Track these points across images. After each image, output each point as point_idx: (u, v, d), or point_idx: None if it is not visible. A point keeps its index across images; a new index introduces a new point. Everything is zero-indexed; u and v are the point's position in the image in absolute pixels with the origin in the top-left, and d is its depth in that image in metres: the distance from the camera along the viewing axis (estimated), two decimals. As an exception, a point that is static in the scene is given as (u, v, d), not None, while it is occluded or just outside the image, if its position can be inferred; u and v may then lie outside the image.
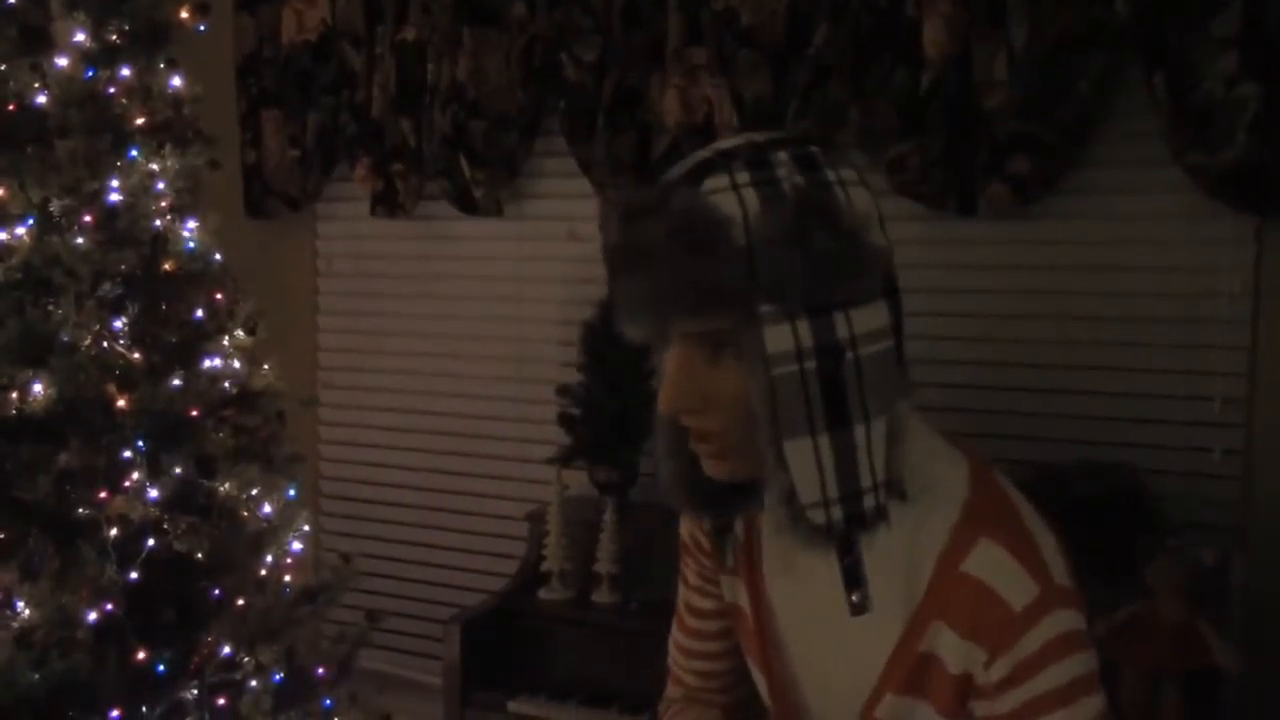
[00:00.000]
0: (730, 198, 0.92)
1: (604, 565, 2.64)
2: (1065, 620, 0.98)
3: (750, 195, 0.92)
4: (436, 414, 3.25)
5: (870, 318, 0.95)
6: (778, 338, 0.92)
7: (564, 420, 2.74)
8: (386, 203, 3.11)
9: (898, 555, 1.01)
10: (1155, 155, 2.31)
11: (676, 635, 1.33)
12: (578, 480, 2.76)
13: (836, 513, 0.96)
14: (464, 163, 2.95)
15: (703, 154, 0.97)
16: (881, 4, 2.45)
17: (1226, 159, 2.19)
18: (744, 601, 1.18)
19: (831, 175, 0.95)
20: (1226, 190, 2.22)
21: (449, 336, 3.22)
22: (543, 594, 2.71)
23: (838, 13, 2.48)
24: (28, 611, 1.94)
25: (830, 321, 0.92)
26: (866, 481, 0.96)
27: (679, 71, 2.67)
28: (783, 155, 0.95)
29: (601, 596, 2.64)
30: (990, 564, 0.98)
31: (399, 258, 3.28)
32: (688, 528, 1.26)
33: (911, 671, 1.02)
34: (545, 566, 2.71)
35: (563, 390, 2.74)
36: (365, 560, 2.48)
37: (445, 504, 3.25)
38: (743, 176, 0.93)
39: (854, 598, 0.99)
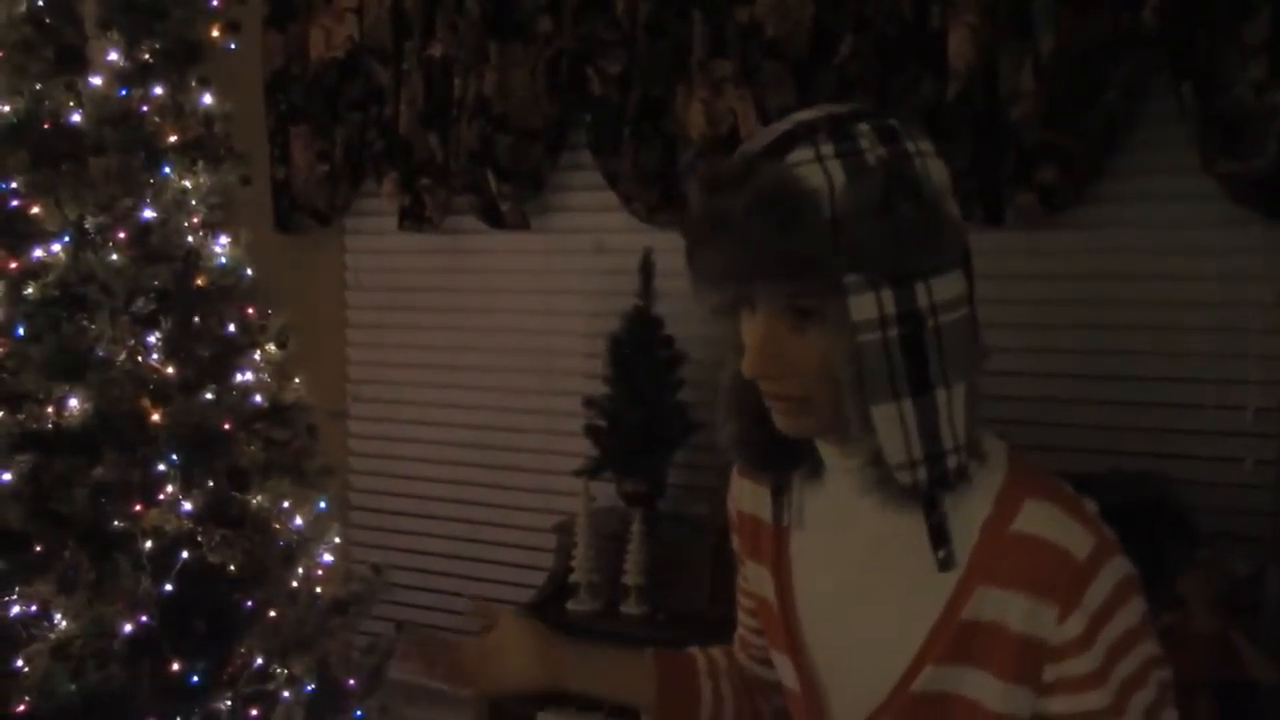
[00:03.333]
0: (816, 170, 0.95)
1: (632, 577, 2.64)
2: (1123, 565, 0.99)
3: (835, 167, 0.94)
4: (464, 426, 3.26)
5: (949, 286, 0.97)
6: (863, 306, 0.95)
7: (591, 432, 2.75)
8: (414, 217, 3.13)
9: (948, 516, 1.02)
10: (1184, 163, 2.29)
11: (739, 611, 1.36)
12: (605, 492, 2.77)
13: (922, 473, 0.98)
14: (490, 177, 2.97)
15: (785, 126, 0.99)
16: (906, 15, 2.45)
17: (1257, 166, 2.18)
18: (769, 591, 1.19)
19: (911, 146, 0.98)
20: (1257, 198, 2.21)
21: (476, 349, 3.24)
22: (571, 605, 2.71)
23: (862, 24, 2.48)
24: (65, 623, 1.96)
25: (912, 290, 0.95)
26: (949, 443, 0.98)
27: (704, 83, 2.67)
28: (864, 127, 0.97)
29: (629, 608, 2.64)
30: (1043, 519, 1.00)
31: (426, 271, 3.30)
32: (731, 502, 1.28)
33: (955, 641, 1.02)
34: (573, 578, 2.71)
35: (590, 402, 2.75)
36: (395, 572, 2.49)
37: (474, 515, 3.26)
38: (827, 149, 0.95)
39: (940, 554, 1.01)
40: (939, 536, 1.01)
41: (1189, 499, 2.24)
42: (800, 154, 0.96)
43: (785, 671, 1.19)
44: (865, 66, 2.48)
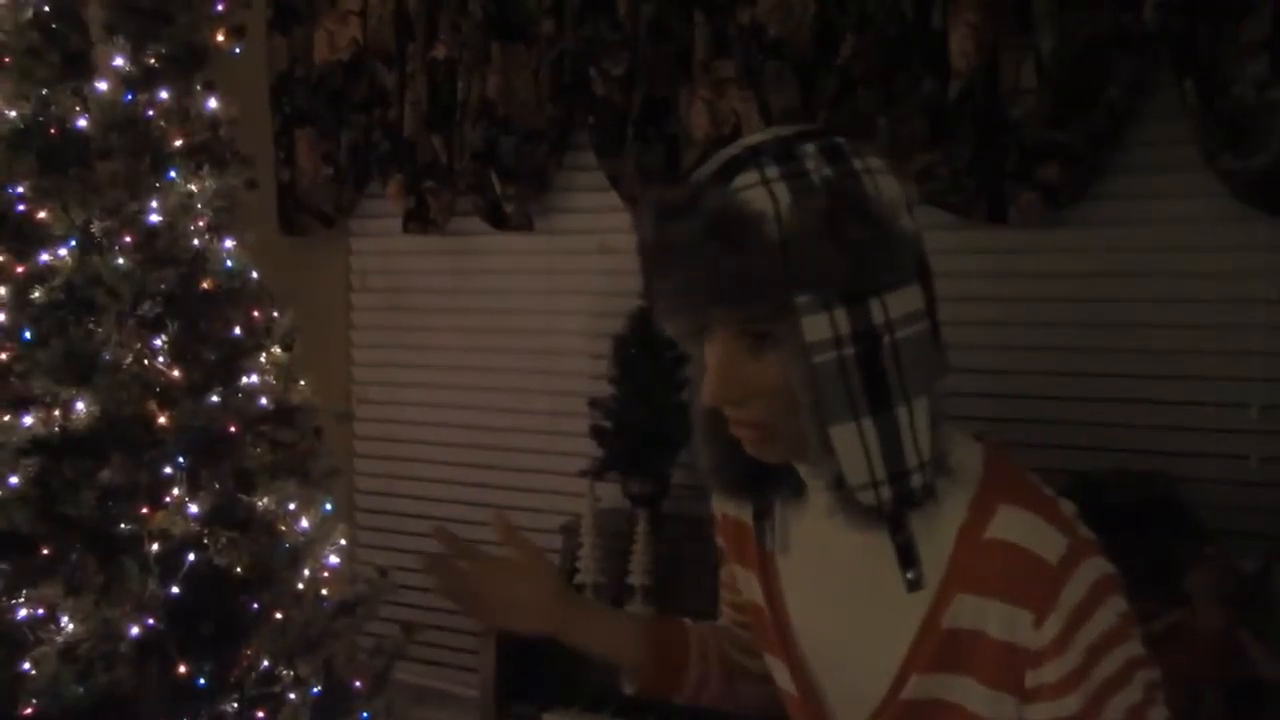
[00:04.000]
0: (761, 193, 0.94)
1: (637, 577, 2.64)
2: (1099, 566, 0.99)
3: (781, 189, 0.94)
4: (469, 427, 3.27)
5: (905, 301, 0.97)
6: (815, 327, 0.95)
7: (596, 433, 2.75)
8: (418, 219, 3.14)
9: (918, 536, 1.02)
10: (1187, 160, 2.29)
11: (722, 600, 1.37)
12: (610, 493, 2.77)
13: (886, 493, 0.98)
14: (494, 178, 2.97)
15: (731, 151, 0.99)
16: (908, 14, 2.46)
17: (1259, 163, 2.17)
18: (758, 596, 1.19)
19: (859, 164, 0.97)
20: (1260, 195, 2.21)
21: (481, 350, 3.24)
22: (577, 606, 2.71)
23: (864, 23, 2.49)
24: (72, 625, 1.97)
25: (866, 308, 0.95)
26: (913, 461, 0.98)
27: (707, 84, 2.68)
28: (810, 148, 0.97)
29: (635, 608, 2.64)
30: (1015, 525, 1.00)
31: (431, 273, 3.30)
32: (716, 505, 1.28)
33: (939, 649, 1.02)
34: (579, 579, 2.71)
35: (594, 403, 2.75)
36: (401, 573, 2.50)
37: (479, 517, 3.25)
38: (772, 171, 0.95)
39: (909, 575, 1.01)
40: (906, 557, 1.01)
41: (1194, 497, 2.24)
42: (745, 178, 0.96)
43: (780, 675, 1.19)
44: (867, 66, 2.49)
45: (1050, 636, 0.97)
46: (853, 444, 0.96)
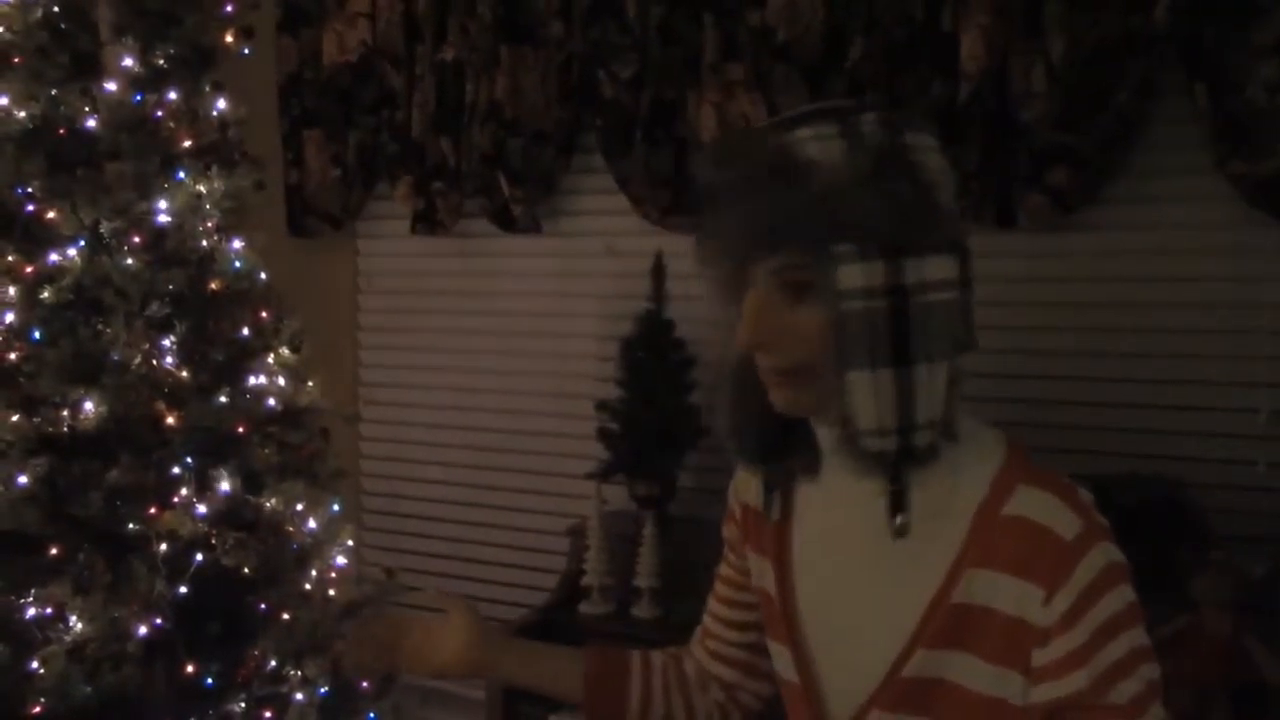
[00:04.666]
0: (816, 145, 0.99)
1: (644, 579, 2.64)
2: (1111, 551, 1.01)
3: (836, 144, 0.99)
4: (476, 429, 3.27)
5: (940, 268, 1.00)
6: (850, 275, 0.98)
7: (603, 435, 2.75)
8: (426, 221, 3.14)
9: (933, 511, 1.04)
10: (1196, 164, 2.29)
11: (710, 601, 1.40)
12: (617, 495, 2.77)
13: (890, 443, 1.00)
14: (502, 180, 2.98)
15: (799, 110, 1.04)
16: (917, 16, 2.45)
17: (1270, 167, 2.17)
18: (770, 583, 1.21)
19: (912, 138, 1.01)
20: (1270, 199, 2.20)
21: (488, 353, 3.24)
22: (583, 608, 2.71)
23: (873, 26, 2.48)
24: (80, 625, 1.98)
25: (901, 265, 0.98)
26: (922, 418, 1.00)
27: (715, 87, 2.68)
28: (870, 116, 1.01)
29: (642, 611, 2.65)
30: (1034, 502, 1.02)
31: (439, 275, 3.31)
32: (733, 493, 1.30)
33: (947, 624, 1.04)
34: (585, 581, 2.71)
35: (602, 405, 2.75)
36: (407, 574, 2.50)
37: (485, 518, 3.27)
38: (829, 129, 1.00)
39: (897, 520, 1.02)
40: (896, 503, 1.02)
41: (1201, 501, 2.23)
42: (803, 131, 1.00)
43: (783, 662, 1.20)
44: (876, 69, 2.49)
45: (1059, 612, 0.99)
46: (867, 390, 0.99)
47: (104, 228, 2.09)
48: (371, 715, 2.33)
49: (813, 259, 0.99)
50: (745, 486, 1.28)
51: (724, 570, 1.36)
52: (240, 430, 2.18)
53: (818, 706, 1.16)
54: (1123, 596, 1.00)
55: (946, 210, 1.01)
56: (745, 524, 1.28)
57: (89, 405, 2.03)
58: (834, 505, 1.12)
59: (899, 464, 1.01)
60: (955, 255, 1.02)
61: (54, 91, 2.12)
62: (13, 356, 2.08)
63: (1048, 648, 1.00)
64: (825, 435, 1.10)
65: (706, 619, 1.39)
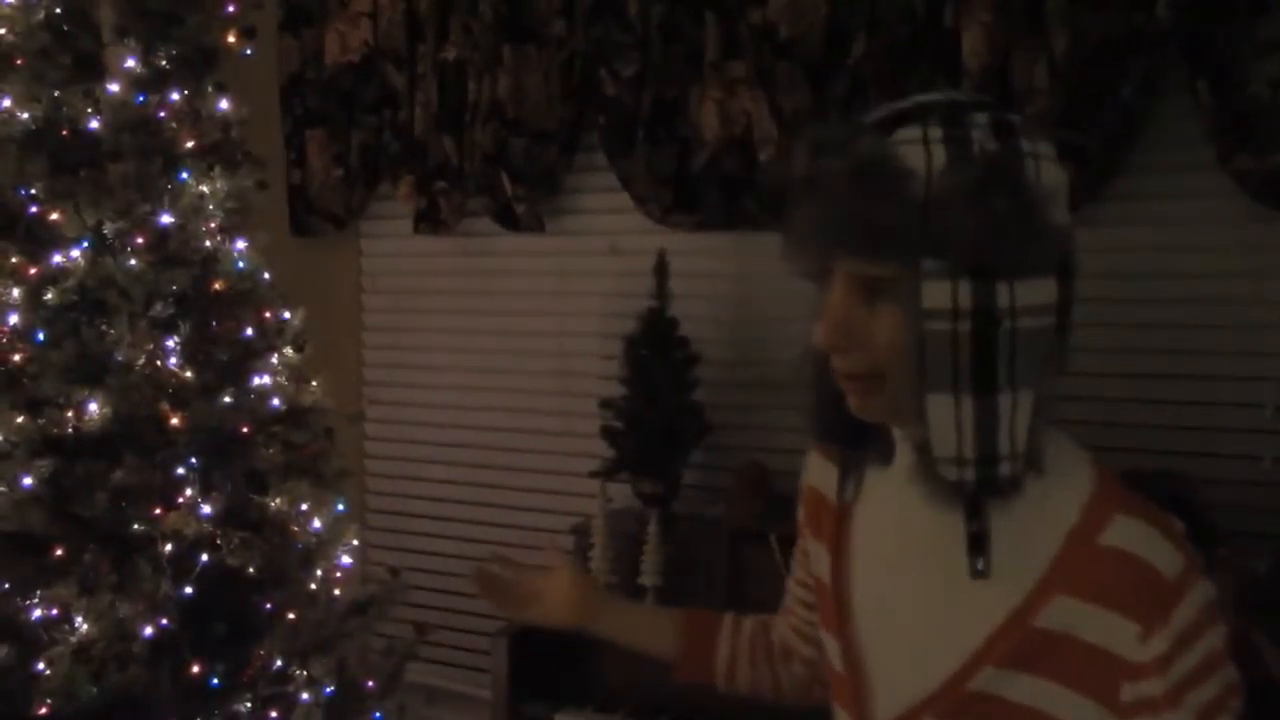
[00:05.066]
0: (918, 150, 0.93)
1: (648, 578, 2.64)
2: (1208, 590, 0.98)
3: (939, 150, 0.93)
4: (481, 428, 3.27)
5: (1035, 292, 0.95)
6: (936, 293, 0.93)
7: (607, 433, 2.75)
8: (429, 220, 3.14)
9: (1015, 529, 1.01)
10: (1201, 160, 2.29)
11: (789, 579, 1.39)
12: (621, 493, 2.77)
13: (970, 473, 0.96)
14: (505, 179, 2.97)
15: (903, 104, 0.98)
16: (919, 14, 2.45)
17: (1273, 163, 2.17)
18: (825, 571, 1.18)
19: (1027, 145, 0.95)
20: (1274, 194, 2.20)
21: (492, 352, 3.24)
22: (588, 606, 2.71)
23: (875, 23, 2.48)
24: (85, 626, 1.97)
25: (993, 287, 0.93)
26: (1005, 449, 0.96)
27: (717, 85, 2.68)
28: (981, 118, 0.95)
29: (647, 609, 2.65)
30: (1135, 536, 0.98)
31: (442, 274, 3.31)
32: (805, 477, 1.28)
33: (1022, 646, 1.00)
34: (590, 579, 2.71)
35: (606, 404, 2.75)
36: (412, 574, 2.51)
37: (490, 517, 3.27)
38: (936, 132, 0.94)
39: (978, 565, 0.99)
40: (976, 544, 0.99)
41: (1208, 497, 2.23)
42: (907, 133, 0.95)
43: (833, 652, 1.18)
44: (879, 66, 2.48)
45: (1156, 653, 0.96)
46: (947, 417, 0.95)
47: (107, 229, 2.09)
48: (377, 715, 2.33)
49: (899, 267, 0.94)
50: (814, 468, 1.25)
51: (799, 554, 1.34)
52: (244, 430, 2.18)
53: (863, 703, 1.14)
54: (1218, 635, 0.99)
55: (1054, 227, 0.95)
56: (809, 506, 1.26)
57: (93, 406, 2.03)
58: (902, 502, 1.07)
59: (978, 495, 0.98)
60: (1057, 276, 0.97)
61: (56, 93, 2.12)
62: (17, 358, 2.08)
63: (1140, 684, 0.98)
64: (901, 442, 1.07)
65: (787, 597, 1.38)
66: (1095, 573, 0.98)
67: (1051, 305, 0.97)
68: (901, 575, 1.09)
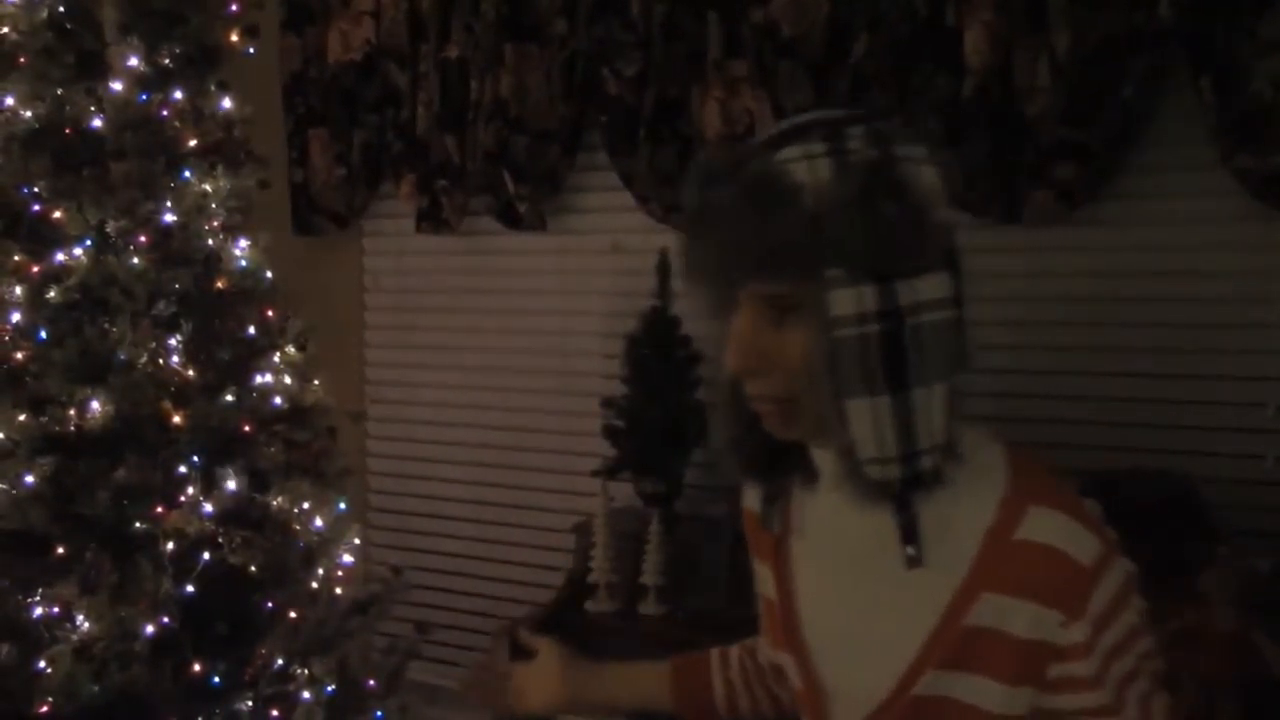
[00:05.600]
0: (803, 166, 0.96)
1: (650, 577, 2.64)
2: (1124, 567, 1.02)
3: (823, 165, 0.96)
4: (483, 427, 3.27)
5: (933, 287, 0.98)
6: (842, 301, 0.96)
7: (609, 432, 2.75)
8: (431, 219, 3.14)
9: (933, 532, 1.03)
10: (1203, 159, 2.29)
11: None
12: (623, 492, 2.77)
13: (894, 470, 0.99)
14: (507, 178, 2.97)
15: (782, 126, 1.02)
16: (921, 12, 2.45)
17: (1275, 162, 2.16)
18: (770, 590, 1.21)
19: (902, 150, 0.98)
20: (1276, 193, 2.20)
21: (494, 350, 3.25)
22: (590, 606, 2.71)
23: (877, 22, 2.48)
24: (87, 625, 1.98)
25: (894, 288, 0.95)
26: (925, 443, 0.98)
27: (719, 84, 2.68)
28: (858, 129, 0.98)
29: (648, 608, 2.64)
30: (1048, 526, 1.01)
31: (444, 273, 3.31)
32: (744, 500, 1.30)
33: (957, 646, 1.03)
34: (592, 578, 2.71)
35: (607, 403, 2.75)
36: (414, 573, 2.51)
37: (492, 516, 3.27)
38: (817, 148, 0.97)
39: (910, 550, 1.01)
40: (908, 533, 1.02)
41: (1210, 496, 2.23)
42: (790, 151, 0.97)
43: (789, 669, 1.20)
44: (881, 65, 2.48)
45: (1079, 638, 1.00)
46: (867, 419, 0.97)
47: (110, 227, 2.09)
48: (379, 714, 2.33)
49: (802, 283, 0.97)
50: (749, 492, 1.28)
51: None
52: (246, 429, 2.18)
53: (824, 716, 1.16)
54: (1134, 610, 1.02)
55: (938, 225, 0.98)
56: (749, 529, 1.28)
57: (95, 405, 2.03)
58: (832, 519, 1.10)
59: (905, 491, 1.00)
60: (949, 271, 1.00)
61: (59, 91, 2.12)
62: (19, 356, 2.09)
63: (1066, 664, 1.01)
64: (824, 458, 1.09)
65: (761, 616, 1.39)
66: (1015, 567, 1.01)
67: (950, 299, 1.00)
68: (841, 588, 1.11)
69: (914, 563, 1.02)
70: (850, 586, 1.10)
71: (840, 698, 1.14)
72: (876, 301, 0.95)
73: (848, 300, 0.95)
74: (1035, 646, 1.01)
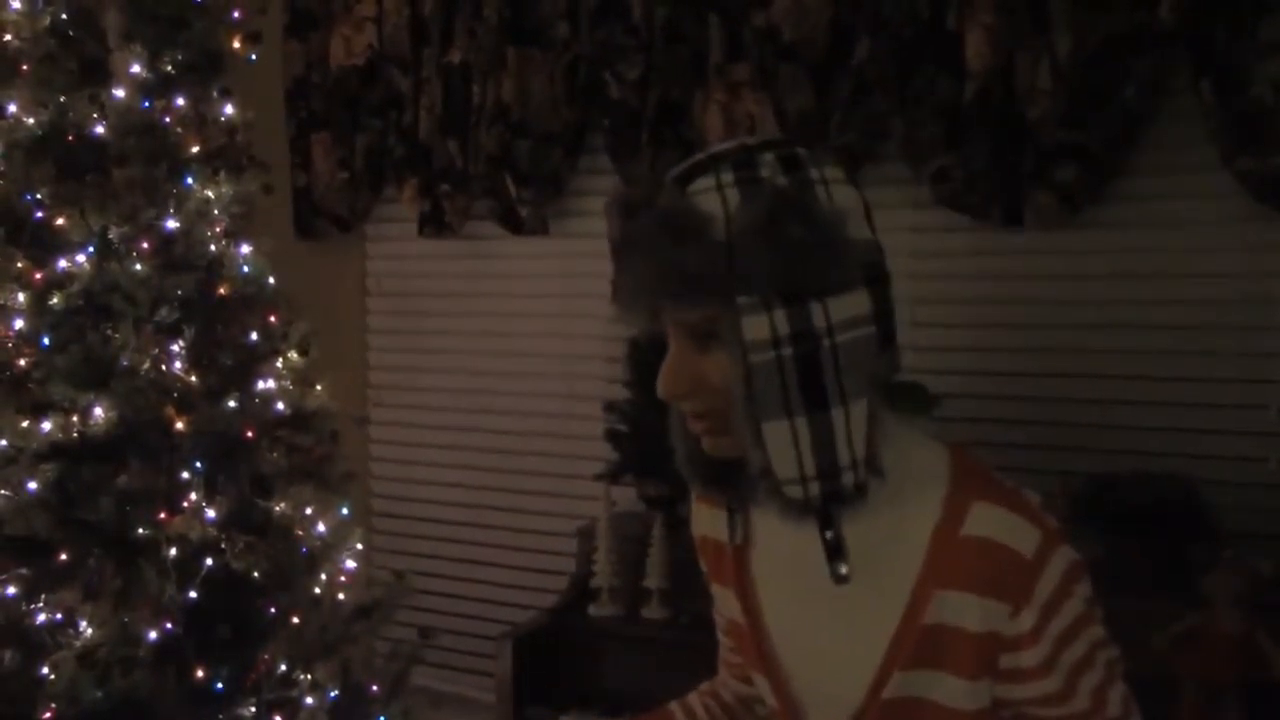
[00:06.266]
0: (714, 197, 0.98)
1: (653, 580, 2.64)
2: (1067, 555, 1.03)
3: (732, 194, 0.98)
4: (485, 431, 3.28)
5: (848, 306, 0.99)
6: (755, 326, 0.97)
7: (611, 436, 2.75)
8: (434, 223, 3.15)
9: (885, 536, 1.06)
10: (1204, 161, 2.28)
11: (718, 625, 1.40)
12: (626, 496, 2.77)
13: (814, 488, 1.00)
14: (510, 182, 2.98)
15: (698, 157, 1.03)
16: (923, 16, 2.45)
17: (1276, 164, 2.16)
18: (736, 612, 1.22)
19: (815, 174, 1.00)
20: (1277, 195, 2.19)
21: (497, 354, 3.25)
22: (593, 610, 2.71)
23: (879, 25, 2.48)
24: (90, 630, 1.98)
25: (806, 310, 0.97)
26: (845, 459, 1.00)
27: (721, 87, 2.68)
28: (769, 156, 1.00)
29: (651, 612, 2.65)
30: (991, 521, 1.03)
31: (447, 277, 3.31)
32: (695, 529, 1.31)
33: (919, 645, 1.05)
34: (595, 582, 2.71)
35: (610, 406, 2.75)
36: (417, 577, 2.50)
37: (495, 521, 3.27)
38: (728, 177, 0.99)
39: (841, 570, 1.03)
40: (834, 551, 1.03)
41: (1212, 499, 2.23)
42: (702, 182, 0.99)
43: (764, 689, 1.22)
44: (882, 68, 2.48)
45: (1027, 627, 1.02)
46: (784, 441, 0.99)
47: (113, 233, 2.09)
48: (381, 718, 2.33)
49: (717, 310, 0.99)
50: (699, 518, 1.29)
51: (716, 602, 1.36)
52: (249, 434, 2.18)
53: None
54: (1081, 598, 1.04)
55: (850, 244, 0.99)
56: (706, 555, 1.29)
57: (98, 410, 2.03)
58: (785, 532, 1.10)
59: (827, 508, 1.01)
60: (867, 288, 1.01)
61: (62, 98, 2.12)
62: (22, 362, 2.09)
63: (1016, 654, 1.04)
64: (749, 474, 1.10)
65: (721, 649, 1.40)
66: (962, 563, 1.03)
67: (867, 316, 1.01)
68: (804, 600, 1.13)
69: (841, 580, 1.03)
70: (811, 598, 1.12)
71: (815, 710, 1.16)
72: (788, 324, 0.97)
73: (761, 326, 0.97)
74: (988, 639, 1.03)
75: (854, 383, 0.99)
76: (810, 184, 0.99)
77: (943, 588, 1.04)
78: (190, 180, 2.17)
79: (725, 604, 1.25)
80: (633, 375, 2.72)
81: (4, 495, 2.03)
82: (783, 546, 1.14)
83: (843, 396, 0.98)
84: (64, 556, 2.03)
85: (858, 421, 0.99)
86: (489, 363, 3.26)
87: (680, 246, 0.97)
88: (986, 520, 1.03)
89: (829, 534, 1.03)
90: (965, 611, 1.03)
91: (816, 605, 1.11)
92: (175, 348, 2.11)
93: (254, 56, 2.31)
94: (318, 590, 2.26)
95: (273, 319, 2.30)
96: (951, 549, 1.04)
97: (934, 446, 1.09)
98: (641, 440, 2.71)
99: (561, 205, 3.05)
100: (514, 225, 3.03)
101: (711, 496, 1.22)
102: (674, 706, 1.40)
